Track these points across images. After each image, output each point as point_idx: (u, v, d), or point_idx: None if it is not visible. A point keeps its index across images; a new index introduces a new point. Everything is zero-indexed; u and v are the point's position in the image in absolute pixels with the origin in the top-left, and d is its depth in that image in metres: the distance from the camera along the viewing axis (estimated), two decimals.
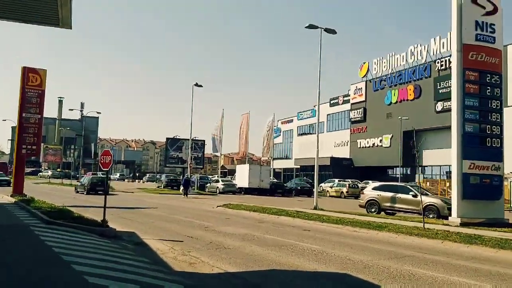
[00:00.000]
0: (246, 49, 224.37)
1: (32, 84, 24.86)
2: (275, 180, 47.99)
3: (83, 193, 33.46)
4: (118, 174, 78.21)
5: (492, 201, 15.99)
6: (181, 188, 37.10)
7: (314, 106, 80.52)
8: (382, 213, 20.87)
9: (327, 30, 23.90)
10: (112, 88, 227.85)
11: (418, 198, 19.92)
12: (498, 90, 16.30)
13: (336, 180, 49.48)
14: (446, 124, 50.00)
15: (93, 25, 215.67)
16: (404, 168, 57.93)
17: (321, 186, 54.45)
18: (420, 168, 56.69)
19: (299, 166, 76.49)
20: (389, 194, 21.01)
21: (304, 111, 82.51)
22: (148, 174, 78.55)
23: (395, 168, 60.40)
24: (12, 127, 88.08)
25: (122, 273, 7.14)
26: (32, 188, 32.71)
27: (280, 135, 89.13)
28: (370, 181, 54.23)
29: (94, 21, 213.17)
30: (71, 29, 15.64)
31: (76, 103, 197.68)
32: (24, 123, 24.78)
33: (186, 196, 34.82)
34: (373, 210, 21.27)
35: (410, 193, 20.34)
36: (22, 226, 13.15)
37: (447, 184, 45.61)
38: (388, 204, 20.99)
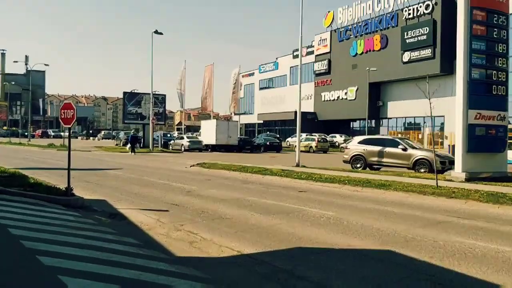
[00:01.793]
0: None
1: None
2: (242, 137, 46.12)
3: None
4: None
5: (496, 153, 14.88)
6: (128, 145, 34.94)
7: (277, 58, 78.40)
8: (367, 168, 19.68)
9: None
10: (59, 41, 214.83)
11: (408, 151, 18.82)
12: (505, 33, 14.87)
13: (304, 135, 48.08)
14: (412, 75, 49.74)
15: None
16: (367, 121, 57.55)
17: (287, 141, 53.38)
18: (385, 120, 56.65)
19: (262, 121, 74.97)
20: (376, 148, 19.69)
21: (266, 64, 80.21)
22: (103, 131, 74.63)
23: (359, 121, 59.98)
24: None
25: (110, 267, 5.20)
26: None
27: (240, 89, 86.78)
28: (337, 135, 53.89)
29: None
30: None
31: (19, 56, 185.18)
32: None
33: (134, 153, 32.89)
34: (358, 165, 19.98)
35: (399, 146, 19.08)
36: None
37: (419, 136, 45.55)
38: (375, 159, 19.72)
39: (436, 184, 12.41)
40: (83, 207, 10.15)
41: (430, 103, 12.73)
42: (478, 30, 14.35)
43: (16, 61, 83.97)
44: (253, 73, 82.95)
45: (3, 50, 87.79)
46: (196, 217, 9.12)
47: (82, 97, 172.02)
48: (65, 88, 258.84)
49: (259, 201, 11.13)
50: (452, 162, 16.25)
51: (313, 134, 47.77)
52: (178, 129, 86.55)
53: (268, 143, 41.67)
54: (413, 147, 19.55)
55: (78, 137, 73.43)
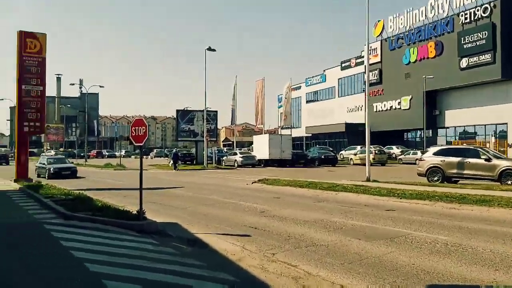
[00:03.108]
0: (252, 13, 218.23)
1: (30, 51, 21.41)
2: (295, 151, 44.87)
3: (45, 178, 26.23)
4: (123, 151, 75.36)
5: None
6: (170, 162, 35.04)
7: (324, 70, 77.01)
8: (445, 182, 17.97)
9: None
10: (110, 63, 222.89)
11: (493, 162, 17.04)
12: None
13: (358, 147, 46.45)
14: (472, 81, 47.11)
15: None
16: (422, 131, 54.87)
17: (341, 154, 51.58)
18: (441, 130, 53.85)
19: (310, 134, 73.40)
20: (456, 159, 17.99)
21: (312, 77, 78.92)
22: (155, 150, 75.50)
23: (415, 131, 57.43)
24: (10, 107, 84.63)
25: None
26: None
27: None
28: (393, 147, 51.62)
29: None
30: None
31: (72, 80, 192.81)
32: (24, 97, 21.45)
33: (176, 170, 33.66)
34: (435, 178, 18.30)
35: (482, 156, 17.33)
36: (34, 226, 10.11)
37: (487, 145, 42.65)
38: (455, 171, 18.00)
39: None
40: (156, 232, 9.29)
41: None
42: None
43: (73, 84, 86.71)
44: (300, 86, 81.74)
45: (59, 74, 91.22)
46: (285, 243, 8.01)
47: (132, 117, 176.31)
48: (116, 109, 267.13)
49: (347, 222, 9.90)
50: None
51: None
52: (225, 145, 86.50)
53: (323, 156, 40.20)
54: (497, 157, 17.75)
55: (132, 157, 74.58)
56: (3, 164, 52.50)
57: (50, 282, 5.82)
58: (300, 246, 7.79)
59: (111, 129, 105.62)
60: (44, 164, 28.12)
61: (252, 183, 20.09)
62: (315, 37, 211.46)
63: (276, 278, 5.98)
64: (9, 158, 55.93)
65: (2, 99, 70.95)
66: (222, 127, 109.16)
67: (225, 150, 55.61)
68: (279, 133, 60.36)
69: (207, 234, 8.99)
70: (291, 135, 46.00)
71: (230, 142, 74.22)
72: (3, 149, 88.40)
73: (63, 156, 37.13)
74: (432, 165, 18.60)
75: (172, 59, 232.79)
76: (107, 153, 78.45)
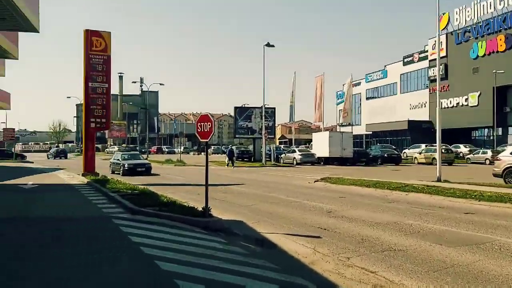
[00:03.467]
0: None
1: (96, 50, 22.10)
2: (357, 148, 43.67)
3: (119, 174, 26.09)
4: (182, 147, 77.05)
5: None
6: (226, 159, 35.63)
7: (385, 66, 74.64)
8: None
9: None
10: (167, 62, 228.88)
11: None
12: None
13: (423, 145, 44.55)
14: None
15: None
16: (491, 129, 51.73)
17: (404, 152, 49.70)
18: None
19: (370, 132, 71.42)
20: None
21: (373, 72, 76.58)
22: (212, 147, 76.46)
23: (483, 129, 54.38)
24: (76, 104, 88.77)
25: None
26: (102, 165, 30.53)
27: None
28: (461, 145, 49.09)
29: None
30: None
31: (132, 79, 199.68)
32: (91, 94, 22.18)
33: (233, 167, 33.70)
34: None
35: None
36: (103, 219, 10.26)
37: None
38: None
39: None
40: (222, 230, 9.10)
41: None
42: None
43: (135, 82, 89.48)
44: (359, 82, 79.72)
45: (121, 73, 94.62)
46: (359, 247, 7.53)
47: (190, 114, 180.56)
48: (174, 107, 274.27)
49: (423, 225, 9.24)
50: None
51: (433, 144, 43.88)
52: (281, 143, 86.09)
53: (386, 155, 38.80)
54: None
55: (190, 153, 75.95)
56: (62, 158, 58.55)
57: (130, 277, 5.74)
58: (376, 250, 7.29)
59: (170, 126, 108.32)
60: (118, 160, 27.34)
61: (315, 181, 19.59)
62: (373, 33, 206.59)
63: (356, 285, 5.55)
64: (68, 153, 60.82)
65: (69, 97, 74.61)
66: (278, 125, 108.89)
67: (282, 147, 55.28)
68: (338, 130, 59.19)
69: (275, 235, 8.68)
70: (352, 132, 44.85)
71: (286, 140, 73.63)
72: (69, 144, 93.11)
73: (137, 152, 36.55)
74: (510, 165, 17.27)
75: (229, 57, 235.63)
76: (166, 149, 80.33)
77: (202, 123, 9.73)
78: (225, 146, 74.72)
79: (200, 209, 9.86)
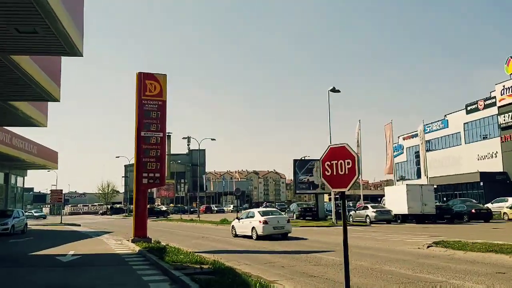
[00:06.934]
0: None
1: (150, 94, 19.13)
2: (438, 204, 38.44)
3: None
4: (231, 206, 73.67)
5: None
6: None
7: (445, 115, 69.55)
8: None
9: None
10: (208, 120, 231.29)
11: None
12: None
13: (510, 199, 38.89)
14: None
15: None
16: None
17: (487, 206, 43.83)
18: None
19: (435, 186, 65.45)
20: None
21: (432, 123, 71.62)
22: (265, 203, 72.58)
23: None
24: (125, 165, 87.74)
25: None
26: (151, 226, 26.71)
27: (403, 152, 78.61)
28: None
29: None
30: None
31: (180, 136, 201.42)
32: (144, 145, 18.95)
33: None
34: None
35: None
36: None
37: None
38: None
39: None
40: None
41: None
42: None
43: (185, 138, 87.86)
44: (416, 134, 74.64)
45: (169, 132, 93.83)
46: None
47: (235, 172, 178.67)
48: (218, 165, 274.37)
49: None
50: None
51: None
52: (336, 198, 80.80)
53: (473, 210, 33.44)
54: None
55: (240, 211, 72.21)
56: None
57: None
58: None
59: (219, 184, 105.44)
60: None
61: (428, 247, 15.00)
62: (429, 83, 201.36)
63: None
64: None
65: (118, 157, 73.26)
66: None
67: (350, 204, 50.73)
68: (396, 184, 53.96)
69: None
70: (433, 185, 39.85)
71: (361, 195, 68.28)
72: (117, 205, 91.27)
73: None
74: None
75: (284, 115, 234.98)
76: (215, 208, 77.06)
77: (332, 162, 5.87)
78: (277, 204, 70.49)
79: None
